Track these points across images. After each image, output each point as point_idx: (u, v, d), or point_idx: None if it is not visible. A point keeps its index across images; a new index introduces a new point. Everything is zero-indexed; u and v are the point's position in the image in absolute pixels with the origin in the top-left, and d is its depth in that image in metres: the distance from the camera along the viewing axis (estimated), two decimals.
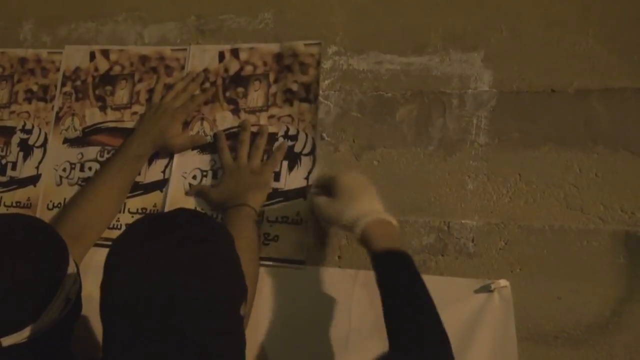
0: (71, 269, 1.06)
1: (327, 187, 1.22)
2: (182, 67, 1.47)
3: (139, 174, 1.43)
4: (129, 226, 0.97)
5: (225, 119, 1.43)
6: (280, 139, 1.39)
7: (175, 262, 0.88)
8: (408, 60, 1.37)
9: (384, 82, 1.37)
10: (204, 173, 1.40)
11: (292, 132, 1.38)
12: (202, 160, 1.41)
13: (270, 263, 1.31)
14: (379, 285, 1.08)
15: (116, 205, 1.39)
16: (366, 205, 1.15)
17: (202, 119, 1.43)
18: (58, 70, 1.55)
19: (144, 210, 1.41)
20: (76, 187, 1.46)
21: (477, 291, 1.23)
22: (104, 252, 1.23)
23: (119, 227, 1.41)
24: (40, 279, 1.00)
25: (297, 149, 1.37)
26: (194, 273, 0.88)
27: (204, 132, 1.43)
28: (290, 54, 1.41)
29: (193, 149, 1.42)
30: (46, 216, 1.45)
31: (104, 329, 0.92)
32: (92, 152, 1.48)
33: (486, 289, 1.23)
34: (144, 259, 0.89)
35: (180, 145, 1.40)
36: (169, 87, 1.45)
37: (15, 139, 1.54)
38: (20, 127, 1.54)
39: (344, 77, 1.39)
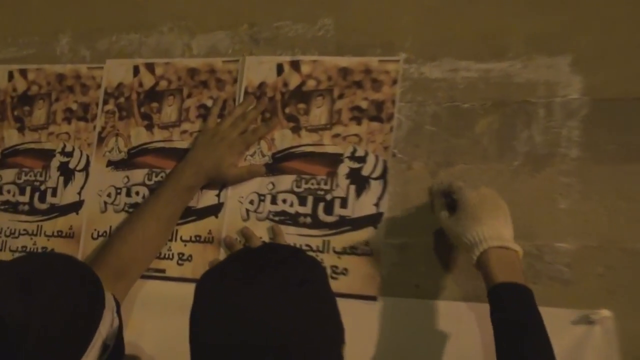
0: (108, 312, 1.07)
1: (453, 198, 1.19)
2: (235, 80, 1.43)
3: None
4: (220, 265, 0.99)
5: (284, 138, 1.39)
6: (346, 162, 1.34)
7: (278, 305, 0.90)
8: (487, 66, 1.31)
9: (460, 92, 1.32)
10: (262, 197, 1.37)
11: (359, 153, 1.34)
12: (259, 184, 1.38)
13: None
14: (493, 321, 1.05)
15: (164, 237, 1.38)
16: (489, 229, 1.10)
17: (260, 138, 1.40)
18: (99, 87, 1.52)
19: (197, 238, 1.39)
20: (122, 214, 1.45)
21: (574, 322, 1.17)
22: (151, 284, 1.37)
23: (170, 256, 1.39)
24: (71, 329, 1.01)
25: (365, 172, 1.33)
26: (298, 316, 0.90)
27: (261, 152, 1.39)
28: (361, 70, 1.37)
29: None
30: (90, 246, 1.44)
31: None
32: (138, 175, 1.46)
33: (585, 320, 1.16)
34: (244, 303, 0.90)
35: (235, 177, 1.38)
36: (222, 110, 1.43)
37: (55, 163, 1.51)
38: (59, 149, 1.52)
39: (415, 87, 1.34)
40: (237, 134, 1.38)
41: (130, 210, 1.44)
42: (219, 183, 1.39)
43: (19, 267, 1.05)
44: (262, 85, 1.42)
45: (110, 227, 1.44)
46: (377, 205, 1.31)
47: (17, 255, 1.47)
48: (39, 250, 1.45)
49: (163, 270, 1.39)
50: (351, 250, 1.30)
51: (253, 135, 1.38)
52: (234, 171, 1.37)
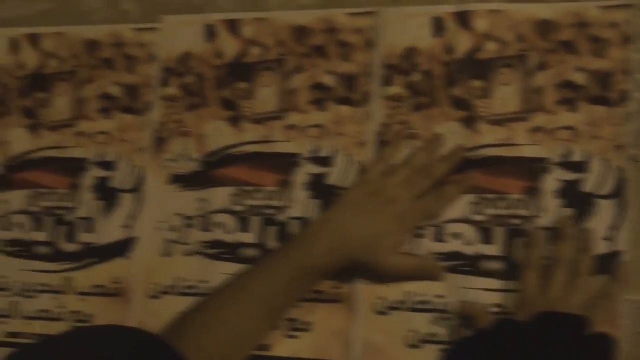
0: None
1: None
2: (368, 45, 1.08)
3: None
4: None
5: (451, 135, 1.06)
6: (556, 172, 1.01)
7: None
8: None
9: None
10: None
11: (576, 156, 1.03)
12: None
13: None
14: None
15: (261, 336, 1.05)
16: None
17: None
18: (153, 59, 1.16)
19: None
20: (196, 259, 1.09)
21: None
22: None
23: None
24: None
25: (588, 187, 1.03)
26: None
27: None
28: (572, 23, 1.05)
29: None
30: (147, 309, 1.08)
31: None
32: (222, 195, 1.11)
33: None
34: None
35: (393, 268, 1.03)
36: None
37: (89, 180, 1.14)
38: (94, 158, 1.16)
39: None
40: (412, 198, 1.02)
41: (209, 252, 1.10)
42: (366, 269, 1.04)
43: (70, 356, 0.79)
44: (410, 53, 1.06)
45: (178, 280, 1.10)
46: (610, 240, 0.98)
47: (37, 324, 1.11)
48: (83, 322, 1.10)
49: None
50: None
51: (437, 203, 1.03)
52: (394, 261, 1.02)
